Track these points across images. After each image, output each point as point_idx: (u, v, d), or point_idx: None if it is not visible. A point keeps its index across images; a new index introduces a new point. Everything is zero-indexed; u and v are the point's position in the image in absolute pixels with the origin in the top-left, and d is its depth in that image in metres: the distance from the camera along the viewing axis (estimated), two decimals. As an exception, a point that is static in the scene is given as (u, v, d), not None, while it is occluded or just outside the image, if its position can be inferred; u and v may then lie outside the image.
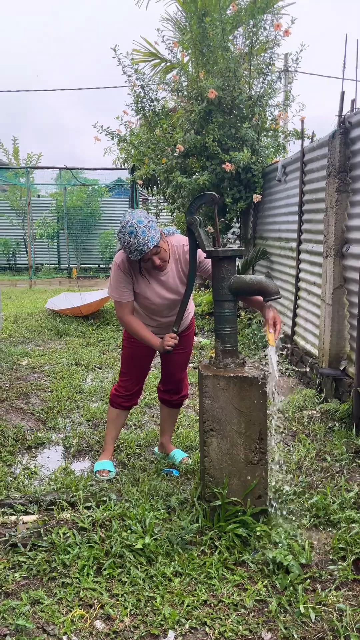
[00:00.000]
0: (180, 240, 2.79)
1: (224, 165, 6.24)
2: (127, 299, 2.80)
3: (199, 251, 2.64)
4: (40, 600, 2.02)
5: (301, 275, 5.01)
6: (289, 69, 7.19)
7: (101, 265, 15.82)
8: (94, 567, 2.20)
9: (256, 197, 6.39)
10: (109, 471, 3.05)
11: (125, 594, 2.06)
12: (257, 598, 2.05)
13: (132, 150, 8.67)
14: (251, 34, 6.64)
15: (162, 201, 9.64)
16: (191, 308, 3.05)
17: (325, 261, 4.13)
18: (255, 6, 6.55)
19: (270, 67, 6.72)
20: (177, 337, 2.77)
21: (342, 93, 3.99)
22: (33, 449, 3.48)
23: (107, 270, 15.17)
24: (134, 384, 3.09)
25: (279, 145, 7.10)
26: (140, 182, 8.45)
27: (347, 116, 3.86)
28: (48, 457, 3.38)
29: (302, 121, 5.56)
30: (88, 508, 2.59)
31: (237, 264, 7.16)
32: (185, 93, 6.95)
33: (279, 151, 7.17)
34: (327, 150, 4.16)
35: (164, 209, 10.36)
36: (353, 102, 3.94)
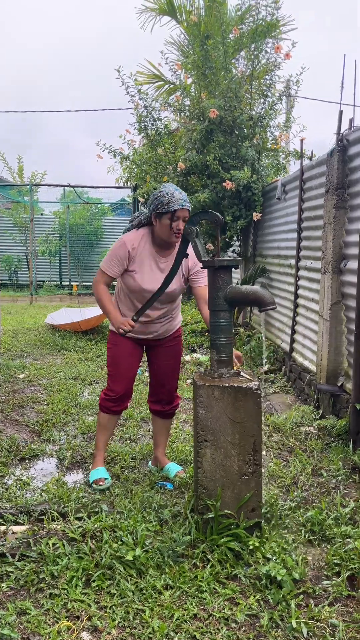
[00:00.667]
0: None
1: (224, 184, 6.30)
2: (112, 273, 2.89)
3: (196, 261, 2.75)
4: (27, 610, 1.98)
5: (300, 291, 5.02)
6: (290, 93, 7.30)
7: (102, 283, 15.84)
8: (83, 579, 2.16)
9: (256, 216, 6.44)
10: (105, 479, 3.05)
11: (113, 606, 2.01)
12: (249, 612, 2.01)
13: (135, 169, 8.77)
14: (252, 57, 6.78)
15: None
16: (179, 317, 3.14)
17: (323, 277, 4.14)
18: (257, 30, 6.70)
19: (271, 89, 6.83)
20: (133, 326, 2.84)
21: (341, 112, 4.05)
22: (26, 461, 3.45)
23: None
24: (121, 386, 3.07)
25: (280, 164, 7.18)
26: (142, 200, 8.52)
27: (345, 134, 3.91)
28: (41, 469, 3.35)
29: (302, 141, 5.63)
30: (79, 519, 2.55)
31: (237, 279, 7.11)
32: (188, 113, 7.06)
33: (279, 171, 7.25)
34: (325, 168, 4.21)
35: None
36: (351, 120, 3.99)
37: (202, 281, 2.87)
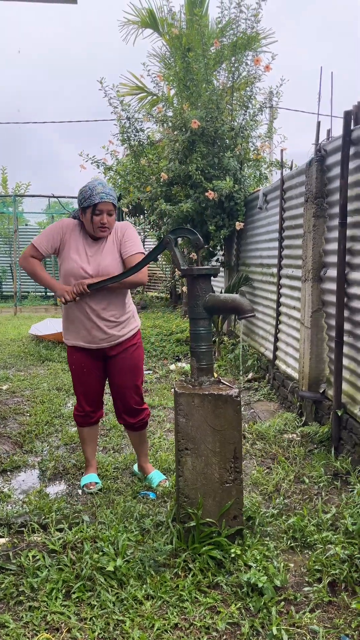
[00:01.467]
0: (125, 224, 2.95)
1: (207, 194, 6.34)
2: (41, 248, 2.88)
3: (125, 231, 2.88)
4: (6, 624, 1.95)
5: (282, 300, 5.06)
6: (272, 105, 7.40)
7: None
8: (63, 591, 2.14)
9: (239, 225, 6.49)
10: (96, 483, 3.09)
11: (94, 618, 2.00)
12: (230, 621, 2.00)
13: (119, 180, 8.80)
14: (233, 69, 6.87)
15: (148, 229, 9.80)
16: (132, 323, 3.01)
17: (304, 285, 4.18)
18: (237, 43, 6.79)
19: (251, 100, 6.92)
20: (82, 292, 2.71)
21: (318, 123, 4.11)
22: (8, 473, 3.42)
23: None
24: (85, 401, 3.09)
25: (261, 174, 7.26)
26: (126, 210, 8.56)
27: (323, 144, 3.97)
28: (23, 480, 3.32)
29: (282, 151, 5.70)
30: (60, 530, 2.53)
31: (221, 288, 7.12)
32: (170, 124, 7.12)
33: (261, 180, 7.32)
34: (304, 178, 4.27)
35: (148, 235, 10.51)
36: (329, 131, 4.06)
37: (129, 251, 2.84)
